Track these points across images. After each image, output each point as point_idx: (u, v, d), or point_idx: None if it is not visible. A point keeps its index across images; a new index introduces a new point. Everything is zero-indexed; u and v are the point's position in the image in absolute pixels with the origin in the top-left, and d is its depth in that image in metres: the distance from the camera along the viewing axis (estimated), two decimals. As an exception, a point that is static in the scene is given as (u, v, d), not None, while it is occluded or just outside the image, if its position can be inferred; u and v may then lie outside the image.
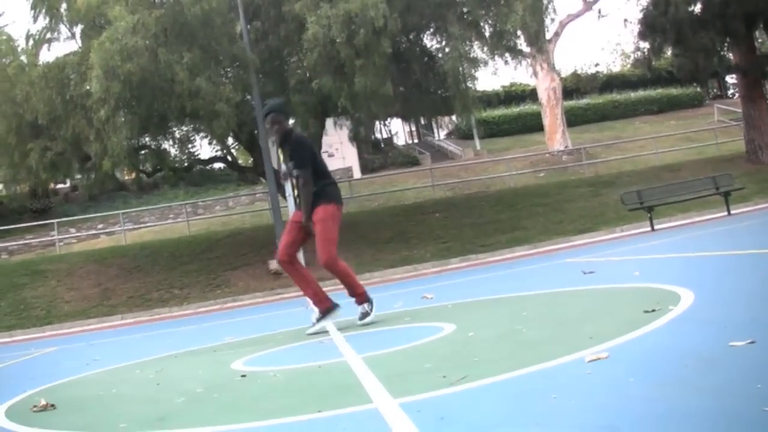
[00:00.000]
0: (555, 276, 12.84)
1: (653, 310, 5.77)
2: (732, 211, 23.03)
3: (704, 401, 3.13)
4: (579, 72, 62.02)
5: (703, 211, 24.99)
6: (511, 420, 3.37)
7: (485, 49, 27.72)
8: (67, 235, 37.11)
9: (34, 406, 5.87)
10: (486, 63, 27.63)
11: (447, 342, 6.38)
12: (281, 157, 8.98)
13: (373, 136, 38.65)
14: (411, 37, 28.65)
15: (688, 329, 4.96)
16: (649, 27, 33.22)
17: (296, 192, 8.99)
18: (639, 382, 3.64)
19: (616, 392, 3.52)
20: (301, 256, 9.12)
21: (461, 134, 52.69)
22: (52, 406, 5.84)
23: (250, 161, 34.17)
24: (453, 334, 6.71)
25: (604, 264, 12.94)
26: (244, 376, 6.14)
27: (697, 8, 32.69)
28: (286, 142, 8.94)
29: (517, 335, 6.04)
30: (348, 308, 9.49)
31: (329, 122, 31.58)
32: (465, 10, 26.70)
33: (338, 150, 43.56)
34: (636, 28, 34.86)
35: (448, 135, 55.80)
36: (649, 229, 22.69)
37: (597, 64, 71.16)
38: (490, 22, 26.93)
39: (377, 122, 40.15)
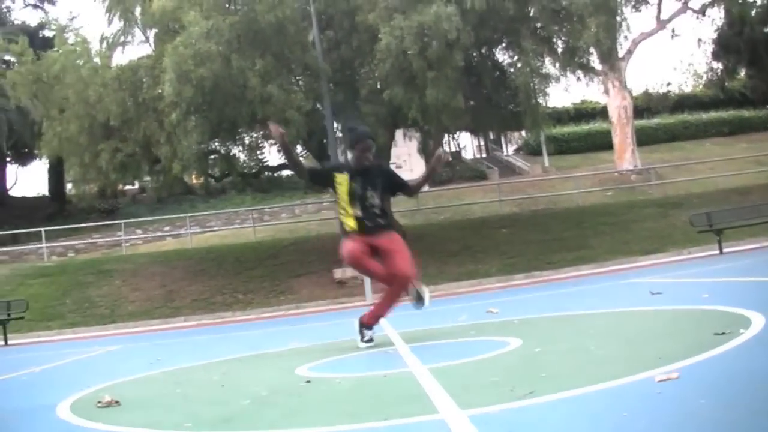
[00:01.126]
0: (621, 296, 12.73)
1: (723, 333, 5.68)
2: (802, 237, 22.72)
3: (777, 425, 3.09)
4: (650, 91, 61.52)
5: (772, 236, 24.70)
6: (581, 436, 3.34)
7: (557, 65, 27.63)
8: (133, 236, 37.49)
9: (99, 402, 5.92)
10: (558, 79, 27.57)
11: (514, 356, 6.34)
12: (351, 182, 8.91)
13: (441, 149, 38.68)
14: (483, 50, 28.60)
15: (759, 353, 4.89)
16: (723, 47, 33.05)
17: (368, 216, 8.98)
18: (710, 404, 3.59)
19: (687, 413, 3.47)
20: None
21: (530, 150, 52.47)
22: (117, 402, 5.88)
23: (318, 170, 34.30)
24: (519, 349, 6.66)
25: (671, 285, 12.80)
26: (308, 381, 6.13)
27: (773, 29, 32.37)
28: (371, 168, 8.99)
29: (585, 352, 5.99)
30: (412, 319, 9.47)
31: (399, 133, 31.61)
32: (538, 25, 26.65)
33: (406, 162, 43.57)
34: (710, 48, 34.76)
35: (517, 150, 55.61)
36: (717, 252, 22.42)
37: (669, 84, 70.59)
38: (563, 38, 26.85)
39: (446, 135, 40.10)
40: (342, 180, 8.82)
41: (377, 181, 8.90)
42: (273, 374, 7.21)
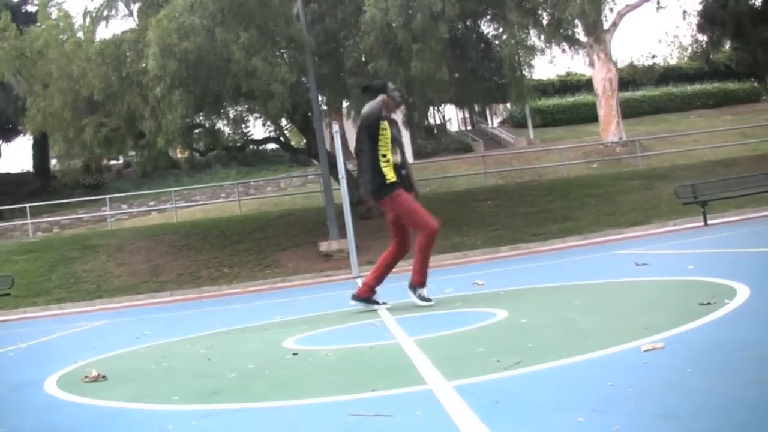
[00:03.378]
0: (607, 267, 12.78)
1: (709, 303, 5.71)
2: (787, 208, 22.80)
3: (762, 394, 3.10)
4: (635, 63, 61.56)
5: (757, 208, 24.74)
6: (568, 405, 3.34)
7: (542, 37, 27.55)
8: (118, 211, 37.41)
9: (86, 377, 5.92)
10: (543, 51, 27.50)
11: (500, 327, 6.36)
12: (390, 131, 9.02)
13: (426, 122, 38.55)
14: (468, 23, 28.52)
15: (744, 322, 4.91)
16: (709, 19, 33.03)
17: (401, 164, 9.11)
18: (696, 372, 3.60)
19: (674, 382, 3.48)
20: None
21: (515, 122, 52.51)
22: (104, 377, 5.89)
23: (303, 143, 34.24)
24: (506, 320, 6.69)
25: (657, 257, 12.85)
26: (295, 354, 6.14)
27: (759, 1, 32.37)
28: (394, 120, 9.32)
29: (571, 323, 6.01)
30: (398, 292, 9.51)
31: (383, 106, 31.59)
32: (524, -4, 26.60)
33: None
34: (695, 20, 34.80)
35: (502, 123, 55.62)
36: (702, 224, 22.49)
37: (654, 56, 70.49)
38: (548, 10, 26.76)
39: (431, 108, 40.06)
40: (386, 126, 9.06)
41: (399, 133, 9.31)
42: (259, 347, 7.23)
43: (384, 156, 8.91)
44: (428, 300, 8.97)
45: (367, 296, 9.45)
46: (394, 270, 9.57)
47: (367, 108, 8.99)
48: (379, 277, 9.54)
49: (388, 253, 9.65)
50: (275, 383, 4.93)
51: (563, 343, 5.03)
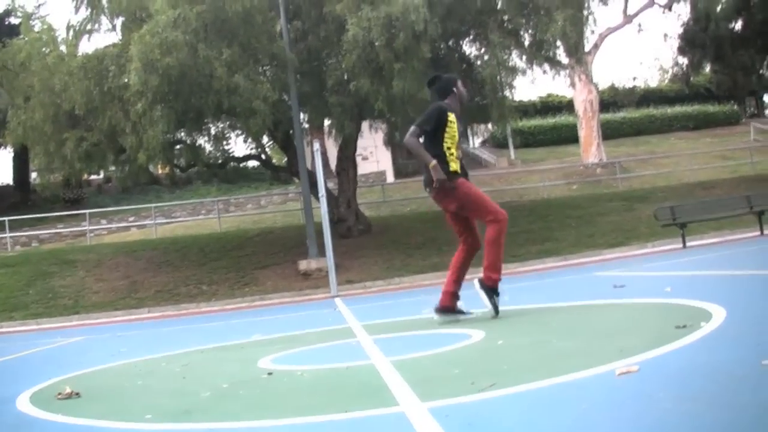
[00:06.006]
0: (585, 288, 12.80)
1: (684, 326, 5.71)
2: (765, 231, 22.85)
3: (736, 418, 3.10)
4: (616, 85, 61.84)
5: (735, 230, 24.85)
6: (541, 428, 3.34)
7: (524, 58, 27.69)
8: (98, 227, 37.33)
9: (59, 394, 5.89)
10: (524, 72, 27.64)
11: (475, 349, 6.35)
12: (458, 122, 9.02)
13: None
14: (450, 43, 28.62)
15: (719, 346, 4.91)
16: (689, 42, 33.24)
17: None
18: (670, 396, 3.60)
19: (647, 406, 3.48)
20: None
21: (496, 143, 52.60)
22: (77, 394, 5.86)
23: (284, 161, 34.24)
24: (482, 342, 6.68)
25: (635, 278, 12.89)
26: (270, 373, 6.13)
27: (738, 25, 32.60)
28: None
29: (547, 345, 6.01)
30: (376, 311, 9.48)
31: (365, 125, 31.60)
32: (505, 18, 26.69)
33: (372, 153, 43.62)
34: (676, 43, 34.94)
35: (483, 143, 55.65)
36: (681, 246, 22.56)
37: (635, 78, 70.89)
38: (530, 31, 26.90)
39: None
40: (453, 119, 8.90)
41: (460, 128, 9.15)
42: (235, 366, 7.19)
43: (449, 149, 8.79)
44: (495, 306, 8.88)
45: (449, 305, 9.02)
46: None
47: (438, 102, 8.90)
48: (458, 281, 9.12)
49: (459, 254, 9.32)
50: (249, 403, 4.92)
51: (538, 366, 5.02)
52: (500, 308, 8.79)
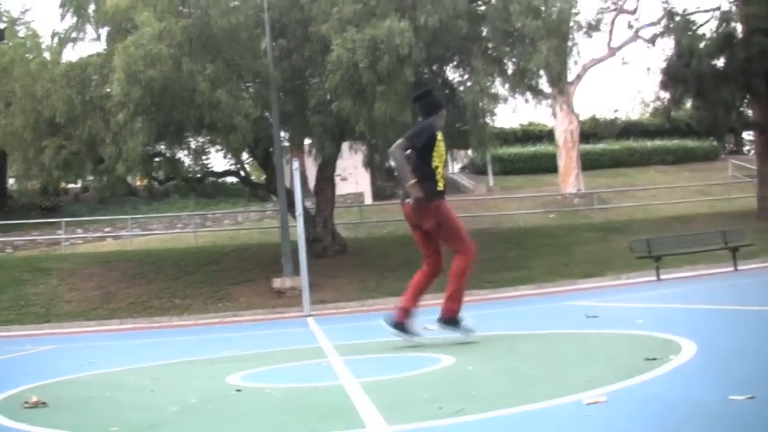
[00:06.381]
0: (557, 317, 12.82)
1: (654, 359, 5.74)
2: (739, 267, 22.95)
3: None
4: (598, 117, 61.96)
5: (710, 265, 24.92)
6: (505, 456, 3.35)
7: (507, 86, 27.75)
8: (73, 235, 37.14)
9: (26, 403, 5.87)
10: (506, 100, 27.71)
11: (445, 374, 6.36)
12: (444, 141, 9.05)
13: (387, 164, 38.59)
14: (434, 68, 28.69)
15: (688, 380, 4.93)
16: (672, 77, 33.27)
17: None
18: (636, 428, 3.62)
19: (613, 437, 3.49)
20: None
21: (475, 169, 52.58)
22: (44, 403, 5.84)
23: (262, 178, 34.17)
24: (452, 367, 6.69)
25: (607, 309, 12.92)
26: (239, 390, 6.12)
27: (720, 62, 32.76)
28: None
29: (516, 372, 6.02)
30: (347, 333, 9.47)
31: (345, 146, 31.61)
32: (490, 45, 26.75)
33: (351, 174, 43.57)
34: (658, 77, 34.97)
35: (462, 169, 55.71)
36: (655, 278, 22.62)
37: (616, 110, 71.10)
38: (513, 59, 26.98)
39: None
40: (441, 137, 8.95)
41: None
42: (204, 382, 7.17)
43: (437, 167, 8.82)
44: (466, 329, 8.88)
45: (401, 321, 9.02)
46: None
47: (426, 122, 8.93)
48: (413, 299, 9.18)
49: (421, 276, 9.39)
50: (216, 419, 4.90)
51: (507, 392, 5.04)
52: (471, 334, 8.78)
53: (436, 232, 8.98)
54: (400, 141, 8.72)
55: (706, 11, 34.72)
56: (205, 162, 30.23)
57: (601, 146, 54.73)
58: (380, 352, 8.58)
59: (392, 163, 8.64)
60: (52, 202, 41.69)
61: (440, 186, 8.85)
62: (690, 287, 17.35)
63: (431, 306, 9.31)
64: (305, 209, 24.69)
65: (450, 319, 8.82)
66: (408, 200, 8.82)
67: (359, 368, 7.04)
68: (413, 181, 8.53)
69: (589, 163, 48.02)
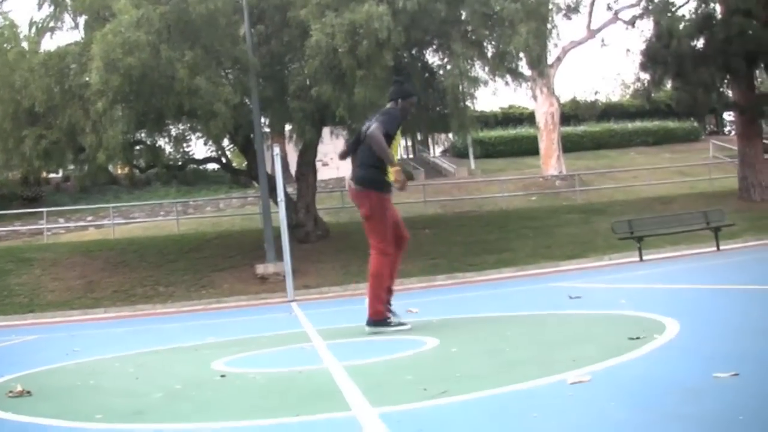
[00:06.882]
0: (540, 299, 12.83)
1: (638, 338, 5.75)
2: (721, 247, 23.04)
3: (686, 429, 3.11)
4: (578, 99, 62.01)
5: (692, 245, 25.03)
6: (490, 436, 3.35)
7: (486, 69, 27.71)
8: (55, 225, 37.04)
9: (10, 392, 5.84)
10: (486, 83, 27.63)
11: (429, 356, 6.36)
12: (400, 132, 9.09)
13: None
14: (413, 51, 28.64)
15: (672, 358, 4.94)
16: (651, 59, 33.30)
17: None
18: (621, 407, 3.61)
19: (598, 415, 3.49)
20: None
21: (456, 152, 52.55)
22: (28, 392, 5.81)
23: (244, 164, 34.11)
24: (436, 349, 6.69)
25: (590, 290, 12.94)
26: (223, 376, 6.12)
27: (700, 43, 32.79)
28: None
29: (500, 354, 6.02)
30: (331, 317, 9.47)
31: (326, 131, 31.57)
32: (469, 28, 26.70)
33: (333, 159, 43.48)
34: (638, 58, 35.00)
35: (444, 152, 55.66)
36: (638, 259, 22.69)
37: (597, 92, 71.34)
38: (493, 42, 26.95)
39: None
40: (397, 132, 8.97)
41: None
42: (188, 368, 7.17)
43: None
44: (399, 324, 8.74)
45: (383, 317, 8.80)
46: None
47: (391, 112, 8.84)
48: (388, 288, 9.03)
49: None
50: (200, 405, 4.90)
51: (491, 374, 5.04)
52: (453, 316, 8.80)
53: (365, 220, 8.89)
54: (376, 125, 8.56)
55: (685, -8, 34.65)
56: (186, 149, 30.19)
57: (581, 128, 54.88)
58: (364, 336, 8.56)
59: (373, 147, 8.34)
60: (33, 192, 41.53)
61: (390, 178, 8.73)
62: (672, 267, 17.41)
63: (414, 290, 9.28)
64: (287, 195, 24.68)
65: (377, 322, 8.69)
66: (351, 183, 8.85)
67: (343, 352, 7.04)
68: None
69: (570, 145, 48.13)
